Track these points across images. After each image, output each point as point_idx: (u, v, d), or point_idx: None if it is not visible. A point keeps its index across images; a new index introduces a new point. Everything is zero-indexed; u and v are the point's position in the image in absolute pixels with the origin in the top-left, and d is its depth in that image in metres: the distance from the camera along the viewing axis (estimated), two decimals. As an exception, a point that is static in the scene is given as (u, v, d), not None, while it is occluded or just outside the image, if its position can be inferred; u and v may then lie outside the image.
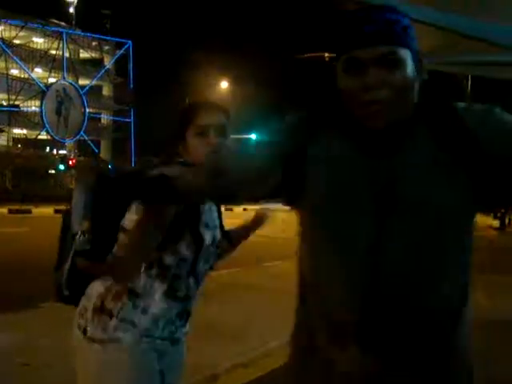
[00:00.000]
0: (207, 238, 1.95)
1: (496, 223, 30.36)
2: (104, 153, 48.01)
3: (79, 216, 1.91)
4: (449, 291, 1.32)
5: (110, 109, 47.90)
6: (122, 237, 1.86)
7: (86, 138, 43.80)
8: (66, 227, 2.01)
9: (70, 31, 43.04)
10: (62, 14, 42.74)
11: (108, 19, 46.52)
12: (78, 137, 42.55)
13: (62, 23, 42.51)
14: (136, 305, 1.89)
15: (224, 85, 40.72)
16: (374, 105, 1.21)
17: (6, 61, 38.38)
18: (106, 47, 47.19)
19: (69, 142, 43.04)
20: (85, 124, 42.31)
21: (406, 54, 1.23)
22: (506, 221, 30.87)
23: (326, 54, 26.87)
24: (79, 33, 43.98)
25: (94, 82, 45.89)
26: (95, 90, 46.92)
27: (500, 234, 26.97)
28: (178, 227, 1.88)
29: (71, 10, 43.63)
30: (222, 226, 2.05)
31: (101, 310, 1.87)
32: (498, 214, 30.66)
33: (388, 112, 1.21)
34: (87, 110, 42.58)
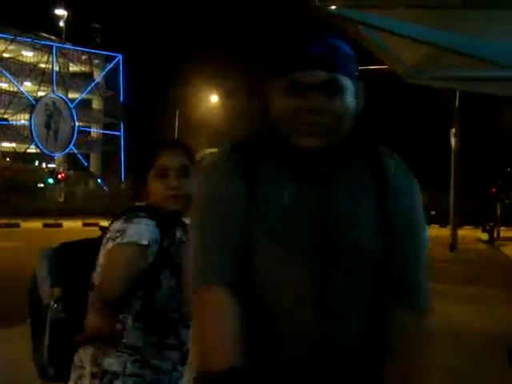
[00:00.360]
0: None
1: (485, 236, 30.53)
2: (94, 166, 47.84)
3: (47, 286, 1.88)
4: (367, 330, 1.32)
5: (100, 122, 47.85)
6: (92, 295, 1.83)
7: (76, 152, 43.66)
8: (36, 300, 1.94)
9: (60, 45, 43.03)
10: (52, 28, 42.81)
11: (98, 33, 46.62)
12: (67, 150, 42.39)
13: (52, 37, 42.49)
14: (136, 359, 1.86)
15: (214, 99, 40.74)
16: (311, 126, 1.20)
17: (-5, 74, 38.38)
18: (96, 61, 47.20)
19: (58, 156, 42.86)
20: (74, 137, 42.20)
21: (346, 82, 1.24)
22: (495, 234, 31.00)
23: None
24: (69, 46, 43.98)
25: (84, 96, 45.87)
26: (85, 104, 46.85)
27: (489, 247, 27.06)
28: (152, 278, 1.85)
29: (61, 23, 43.67)
30: None
31: (102, 373, 1.83)
32: (487, 227, 30.87)
33: (323, 135, 1.21)
34: (77, 124, 42.47)
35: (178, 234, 1.91)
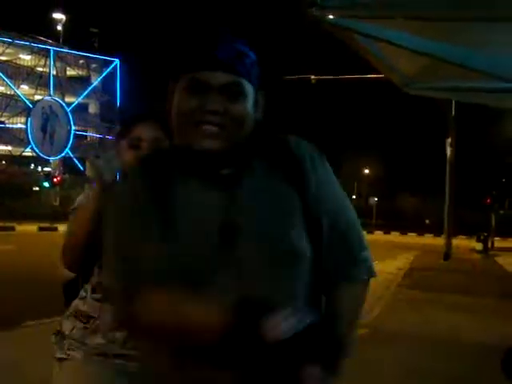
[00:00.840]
0: None
1: (479, 246, 30.51)
2: (89, 170, 47.75)
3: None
4: None
5: (96, 126, 47.74)
6: None
7: (72, 156, 43.57)
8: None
9: (58, 49, 42.99)
10: (50, 32, 42.75)
11: (96, 37, 46.61)
12: (63, 154, 42.30)
13: (50, 41, 42.45)
14: (85, 327, 1.98)
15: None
16: (209, 126, 1.23)
17: (-8, 78, 38.32)
18: (94, 65, 47.15)
19: (54, 160, 42.76)
20: (70, 141, 42.10)
21: (249, 89, 1.27)
22: (489, 244, 31.03)
23: (312, 76, 27.07)
24: (66, 50, 43.92)
25: (81, 100, 45.82)
26: (81, 108, 46.76)
27: (483, 257, 27.07)
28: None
29: (59, 27, 43.60)
30: None
31: (57, 332, 2.05)
32: (481, 237, 30.88)
33: (223, 137, 1.24)
34: (73, 128, 42.40)
35: None
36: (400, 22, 2.77)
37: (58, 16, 43.43)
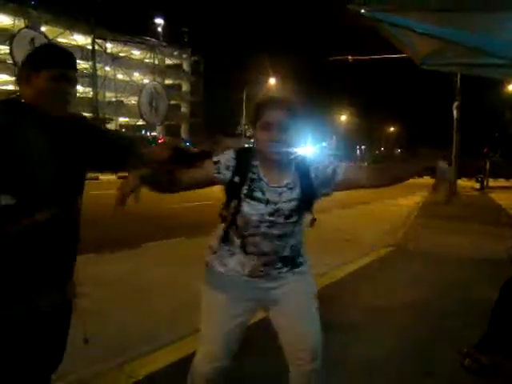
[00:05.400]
0: (257, 207, 1.77)
1: (477, 185, 29.89)
2: (183, 134, 48.49)
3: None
4: None
5: (188, 101, 48.15)
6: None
7: (171, 123, 44.17)
8: None
9: (159, 45, 43.15)
10: (153, 33, 42.84)
11: (186, 35, 46.47)
12: (164, 122, 42.98)
13: (153, 39, 42.60)
14: (226, 249, 1.87)
15: (272, 81, 40.46)
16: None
17: (114, 69, 39.04)
18: (184, 55, 47.18)
19: (158, 126, 43.59)
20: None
21: (76, 77, 1.74)
22: (485, 183, 30.29)
23: (350, 57, 26.00)
24: (165, 46, 44.02)
25: (176, 82, 46.28)
26: (176, 87, 47.19)
27: (480, 193, 26.30)
28: (232, 192, 1.79)
29: (159, 29, 43.67)
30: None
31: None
32: (479, 179, 30.32)
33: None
34: (171, 102, 42.83)
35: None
36: (416, 14, 2.67)
37: (159, 21, 43.41)
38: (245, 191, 1.79)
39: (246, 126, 38.32)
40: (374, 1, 2.62)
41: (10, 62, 27.13)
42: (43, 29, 30.45)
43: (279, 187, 1.81)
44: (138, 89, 38.28)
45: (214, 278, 1.90)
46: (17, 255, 1.54)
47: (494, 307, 3.02)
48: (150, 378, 2.71)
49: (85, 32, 33.92)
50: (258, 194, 1.79)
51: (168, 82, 44.31)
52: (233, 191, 1.80)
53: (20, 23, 29.89)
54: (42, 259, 1.59)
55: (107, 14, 33.97)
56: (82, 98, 33.65)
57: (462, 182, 32.46)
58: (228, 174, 1.80)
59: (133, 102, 40.66)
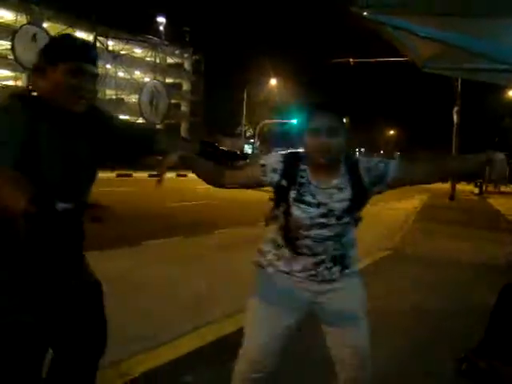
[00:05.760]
0: (308, 210, 1.76)
1: (476, 190, 29.91)
2: (183, 133, 48.48)
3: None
4: None
5: (188, 100, 48.13)
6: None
7: (170, 122, 44.16)
8: None
9: (160, 44, 43.12)
10: (155, 31, 42.79)
11: (188, 34, 46.42)
12: (164, 121, 42.96)
13: (155, 38, 42.57)
14: (277, 252, 1.87)
15: (273, 82, 40.45)
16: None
17: (115, 67, 38.99)
18: (186, 54, 47.16)
19: (158, 125, 43.56)
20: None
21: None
22: (484, 188, 30.34)
23: (351, 59, 26.00)
24: (167, 44, 44.00)
25: (177, 81, 46.23)
26: (177, 86, 47.17)
27: (479, 198, 26.34)
28: (280, 196, 1.79)
29: (161, 28, 43.63)
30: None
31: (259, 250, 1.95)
32: (478, 184, 30.37)
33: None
34: (171, 101, 42.82)
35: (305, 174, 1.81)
36: (419, 17, 2.68)
37: (160, 20, 43.36)
38: (293, 195, 1.78)
39: (246, 127, 38.32)
40: (376, 3, 2.63)
41: (11, 57, 27.14)
42: (45, 25, 30.40)
43: (329, 188, 1.79)
44: (139, 87, 38.30)
45: (265, 281, 1.89)
46: (31, 248, 1.53)
47: (491, 311, 3.01)
48: (147, 375, 2.70)
49: (87, 29, 33.92)
50: (309, 198, 1.77)
51: (169, 80, 44.26)
52: (281, 194, 1.80)
53: (22, 19, 29.94)
54: (52, 254, 1.57)
55: (109, 12, 34.04)
56: (83, 95, 33.62)
57: (461, 187, 32.50)
58: (275, 177, 1.79)
59: (133, 100, 40.67)
